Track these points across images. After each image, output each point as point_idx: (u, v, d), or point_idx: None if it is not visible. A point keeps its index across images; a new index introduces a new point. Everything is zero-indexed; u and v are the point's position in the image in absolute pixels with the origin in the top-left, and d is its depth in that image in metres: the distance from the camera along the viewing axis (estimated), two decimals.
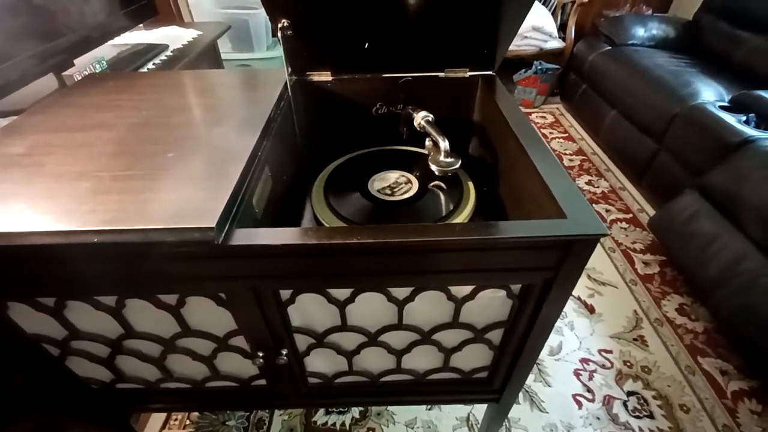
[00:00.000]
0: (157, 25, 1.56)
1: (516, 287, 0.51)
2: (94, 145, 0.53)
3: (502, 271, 0.47)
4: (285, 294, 0.51)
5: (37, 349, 0.58)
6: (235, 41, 2.23)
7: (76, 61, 1.02)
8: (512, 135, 0.60)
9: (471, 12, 0.67)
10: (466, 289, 0.51)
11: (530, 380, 1.11)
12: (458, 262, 0.46)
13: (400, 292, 0.51)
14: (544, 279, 0.48)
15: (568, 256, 0.45)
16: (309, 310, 0.54)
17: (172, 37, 1.40)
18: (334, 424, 1.02)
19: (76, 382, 0.66)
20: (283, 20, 0.63)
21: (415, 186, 0.68)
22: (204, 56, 1.39)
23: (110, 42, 1.19)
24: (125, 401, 0.70)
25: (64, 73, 0.96)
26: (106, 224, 0.40)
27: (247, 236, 0.42)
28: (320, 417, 1.03)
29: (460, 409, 1.04)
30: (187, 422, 1.03)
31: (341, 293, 0.51)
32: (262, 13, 2.15)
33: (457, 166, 0.64)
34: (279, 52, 2.25)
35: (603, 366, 1.14)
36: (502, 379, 0.68)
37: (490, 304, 0.54)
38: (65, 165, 0.50)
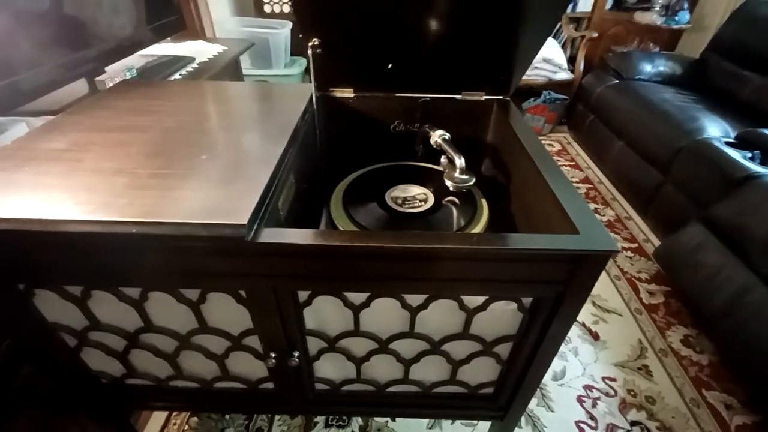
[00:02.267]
0: (184, 39, 1.64)
1: (527, 300, 0.52)
2: (130, 145, 0.56)
3: (515, 283, 0.49)
4: (303, 295, 0.52)
5: (54, 338, 0.59)
6: (254, 58, 2.31)
7: (107, 69, 1.07)
8: (526, 155, 0.62)
9: (490, 39, 0.71)
10: (479, 300, 0.52)
11: (533, 404, 1.10)
12: (473, 272, 0.48)
13: (415, 300, 0.52)
14: (556, 293, 0.50)
15: (579, 271, 0.46)
16: (324, 313, 0.55)
17: (198, 51, 1.47)
18: None
19: (86, 376, 0.67)
20: (314, 39, 0.67)
21: (430, 200, 0.71)
22: (227, 70, 1.45)
23: (139, 52, 1.25)
24: (133, 397, 0.71)
25: (96, 79, 1.01)
26: (143, 216, 0.43)
27: (275, 235, 0.44)
28: (319, 430, 1.02)
29: (462, 430, 1.03)
30: (186, 427, 1.03)
31: (357, 297, 0.52)
32: (282, 32, 2.24)
33: (472, 182, 0.66)
34: (296, 70, 2.34)
35: (607, 394, 1.13)
36: (507, 396, 0.68)
37: (501, 317, 0.55)
38: (103, 161, 0.53)
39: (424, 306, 0.53)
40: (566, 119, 2.50)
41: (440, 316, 0.55)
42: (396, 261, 0.47)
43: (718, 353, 1.24)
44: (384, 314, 0.55)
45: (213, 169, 0.52)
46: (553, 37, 2.65)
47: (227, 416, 1.05)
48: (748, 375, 1.13)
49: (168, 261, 0.48)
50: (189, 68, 1.29)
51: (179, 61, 1.30)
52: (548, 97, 2.40)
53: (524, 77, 2.49)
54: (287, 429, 1.03)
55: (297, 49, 2.39)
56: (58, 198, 0.46)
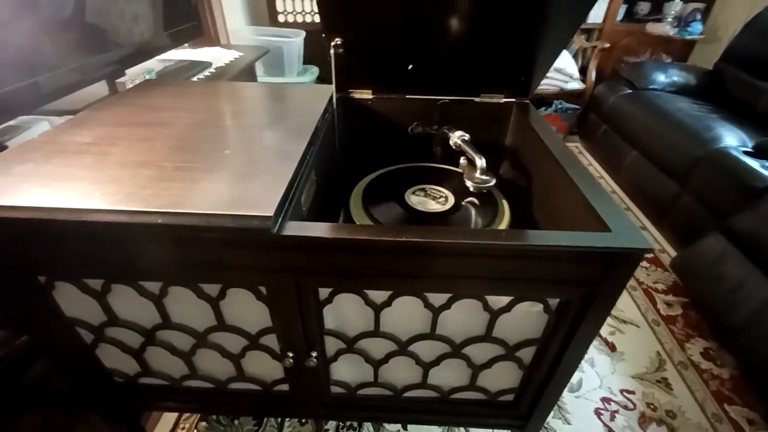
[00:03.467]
0: (201, 45, 1.67)
1: (554, 302, 0.51)
2: (155, 140, 0.57)
3: (543, 282, 0.48)
4: (324, 293, 0.52)
5: (71, 333, 0.59)
6: (268, 66, 2.34)
7: (127, 71, 1.09)
8: (550, 156, 0.62)
9: (511, 41, 0.71)
10: (503, 301, 0.51)
11: (549, 417, 1.06)
12: (500, 270, 0.47)
13: (437, 299, 0.51)
14: (584, 294, 0.48)
15: (610, 271, 0.45)
16: (344, 312, 0.54)
17: (215, 56, 1.49)
18: None
19: (100, 373, 0.66)
20: (337, 39, 0.67)
21: (450, 201, 0.70)
22: (242, 76, 1.47)
23: (157, 57, 1.27)
24: (145, 397, 0.70)
25: (117, 81, 1.03)
26: (169, 207, 0.42)
27: (300, 228, 0.43)
28: None
29: None
30: (195, 431, 1.01)
31: (379, 296, 0.51)
32: (295, 41, 2.27)
33: (492, 183, 0.66)
34: (308, 77, 2.37)
35: (625, 407, 1.10)
36: (528, 404, 0.66)
37: (526, 319, 0.54)
38: (129, 155, 0.53)
39: (446, 306, 0.52)
40: (578, 129, 2.49)
41: (463, 317, 0.54)
42: (421, 257, 0.46)
43: (739, 367, 1.20)
44: (405, 314, 0.54)
45: (237, 163, 0.52)
46: (565, 47, 2.66)
47: (236, 422, 1.04)
48: None
49: (191, 254, 0.47)
50: (206, 72, 1.30)
51: (197, 66, 1.32)
52: (560, 106, 2.40)
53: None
54: None
55: (310, 57, 2.42)
56: (85, 189, 0.46)
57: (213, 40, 2.31)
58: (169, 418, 1.03)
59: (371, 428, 1.02)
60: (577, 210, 0.52)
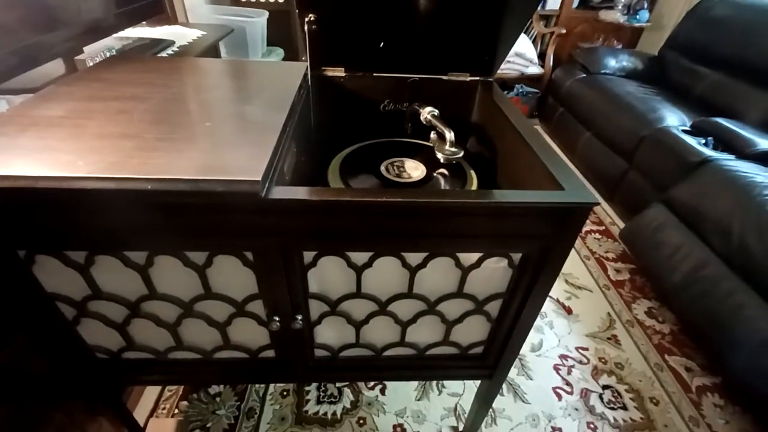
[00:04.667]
0: (160, 23, 1.60)
1: (516, 257, 0.57)
2: (131, 113, 0.57)
3: (507, 238, 0.54)
4: (308, 257, 0.55)
5: (51, 310, 0.59)
6: (231, 47, 2.27)
7: (85, 49, 1.04)
8: (511, 128, 0.67)
9: (475, 22, 0.75)
10: (473, 258, 0.56)
11: (513, 374, 1.16)
12: (470, 227, 0.52)
13: (414, 259, 0.56)
14: (542, 247, 0.54)
15: (564, 225, 0.51)
16: (327, 275, 0.58)
17: (177, 34, 1.44)
18: (325, 414, 1.03)
19: (81, 351, 0.66)
20: (310, 15, 0.69)
21: (422, 172, 0.74)
22: (206, 55, 1.43)
23: (115, 35, 1.22)
24: (129, 372, 0.71)
25: (76, 58, 0.99)
26: (158, 173, 0.44)
27: (287, 192, 0.46)
28: (312, 406, 1.05)
29: (448, 400, 1.08)
30: (176, 411, 1.03)
31: (360, 257, 0.55)
32: (259, 21, 2.21)
33: (461, 154, 0.71)
34: (273, 59, 2.32)
35: (580, 362, 1.21)
36: (496, 354, 0.73)
37: (493, 275, 0.60)
38: (107, 127, 0.53)
39: (422, 265, 0.57)
40: (537, 112, 2.61)
41: (437, 275, 0.59)
42: (400, 217, 0.50)
43: (678, 322, 1.36)
44: (385, 275, 0.58)
45: (219, 134, 0.53)
46: (525, 32, 2.76)
47: (218, 399, 1.06)
48: (705, 341, 1.25)
49: (178, 222, 0.49)
50: (169, 51, 1.27)
51: (159, 44, 1.28)
52: (521, 90, 2.50)
53: (498, 71, 2.60)
54: (279, 407, 1.05)
55: (273, 39, 2.37)
56: (66, 159, 0.46)
57: (170, 18, 2.21)
58: (149, 398, 1.04)
59: (351, 395, 1.08)
60: (535, 173, 0.58)
